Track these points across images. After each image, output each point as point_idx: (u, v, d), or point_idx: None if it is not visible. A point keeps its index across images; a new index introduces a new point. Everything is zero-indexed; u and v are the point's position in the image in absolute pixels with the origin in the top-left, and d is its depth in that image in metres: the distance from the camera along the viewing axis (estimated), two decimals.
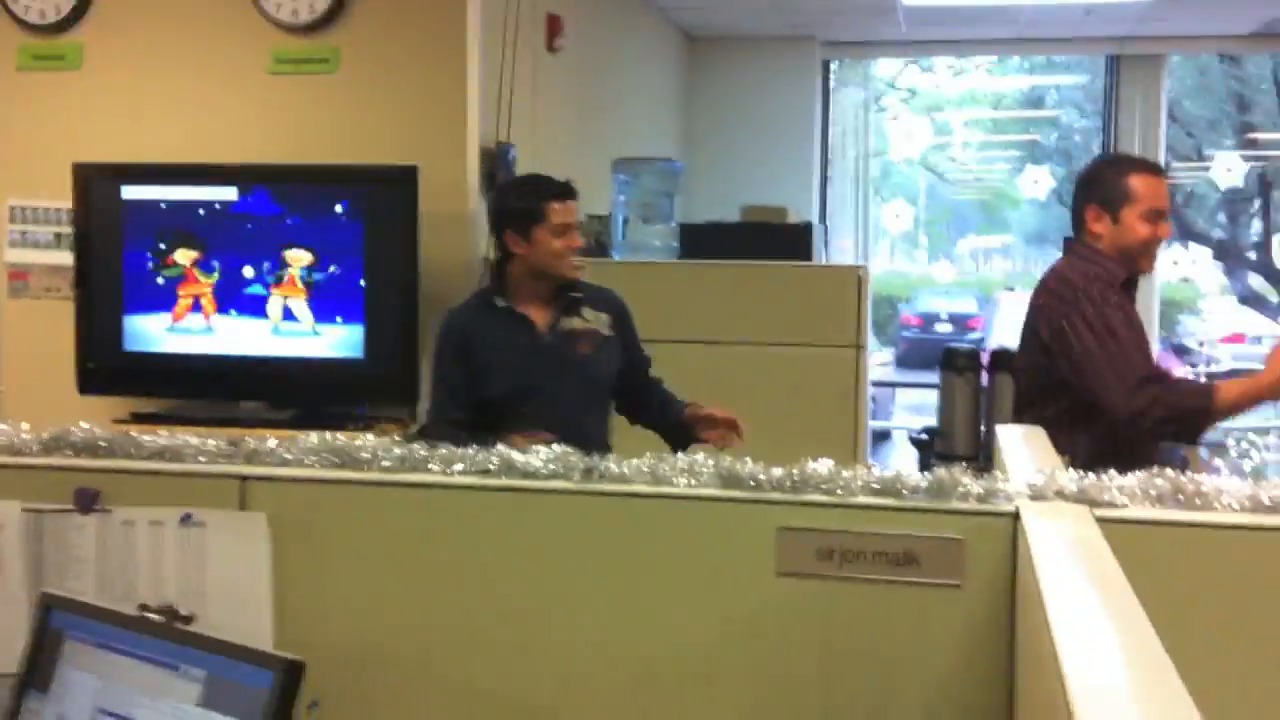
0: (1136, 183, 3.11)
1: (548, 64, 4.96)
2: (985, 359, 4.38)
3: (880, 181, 19.52)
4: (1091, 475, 1.63)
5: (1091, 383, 2.94)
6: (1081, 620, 1.12)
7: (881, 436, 7.49)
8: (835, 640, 1.62)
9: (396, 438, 1.82)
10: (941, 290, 18.27)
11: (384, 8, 4.23)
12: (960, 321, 16.58)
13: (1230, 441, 6.72)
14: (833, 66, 8.32)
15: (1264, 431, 6.76)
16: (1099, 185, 3.16)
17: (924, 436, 4.48)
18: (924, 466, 5.23)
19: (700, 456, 1.69)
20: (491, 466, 1.71)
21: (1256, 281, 14.81)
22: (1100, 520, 1.53)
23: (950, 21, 7.02)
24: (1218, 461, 6.43)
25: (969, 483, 1.61)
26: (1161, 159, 7.71)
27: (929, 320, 16.69)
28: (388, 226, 3.94)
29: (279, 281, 3.98)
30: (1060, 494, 1.59)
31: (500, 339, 3.20)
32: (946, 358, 4.38)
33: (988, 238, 23.69)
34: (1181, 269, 11.60)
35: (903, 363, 13.52)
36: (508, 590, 1.69)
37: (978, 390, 4.30)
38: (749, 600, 1.63)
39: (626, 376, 3.34)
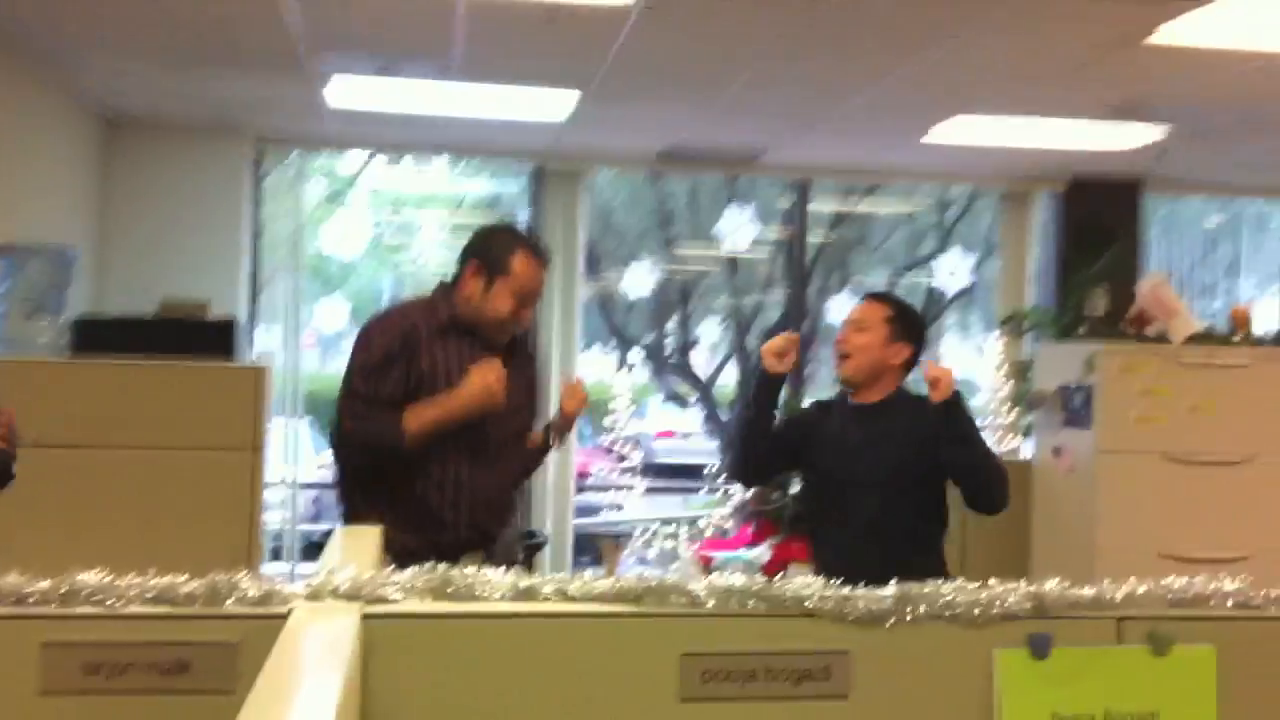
0: (518, 262, 3.30)
1: None
2: None
3: (340, 279, 19.51)
4: (373, 573, 1.67)
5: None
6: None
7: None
8: None
9: None
10: None
11: None
12: None
13: (637, 531, 7.24)
14: (290, 160, 8.19)
15: (670, 521, 7.34)
16: (486, 248, 3.32)
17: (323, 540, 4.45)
18: None
19: None
20: None
21: (680, 383, 16.27)
22: (370, 616, 1.58)
23: (378, 124, 7.16)
24: (626, 551, 6.89)
25: (246, 586, 1.60)
26: (580, 266, 8.24)
27: None
28: None
29: None
30: (334, 593, 1.61)
31: None
32: None
33: None
34: (611, 369, 12.49)
35: None
36: None
37: None
38: None
39: None
